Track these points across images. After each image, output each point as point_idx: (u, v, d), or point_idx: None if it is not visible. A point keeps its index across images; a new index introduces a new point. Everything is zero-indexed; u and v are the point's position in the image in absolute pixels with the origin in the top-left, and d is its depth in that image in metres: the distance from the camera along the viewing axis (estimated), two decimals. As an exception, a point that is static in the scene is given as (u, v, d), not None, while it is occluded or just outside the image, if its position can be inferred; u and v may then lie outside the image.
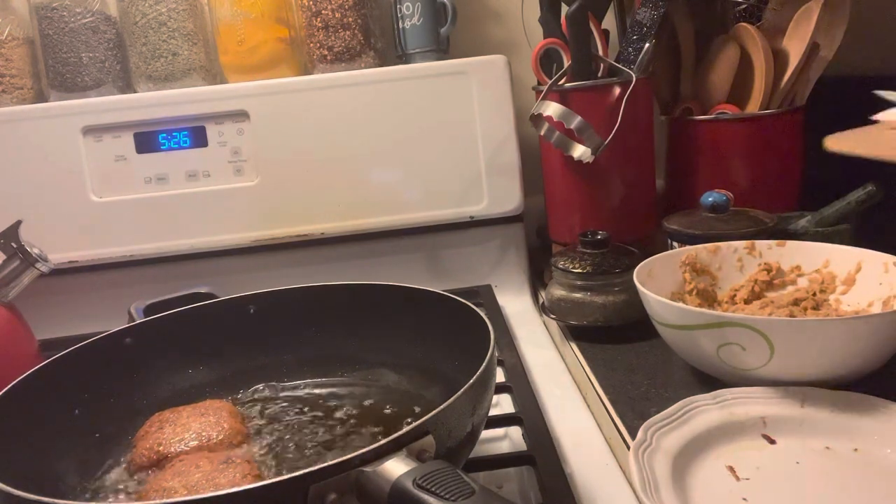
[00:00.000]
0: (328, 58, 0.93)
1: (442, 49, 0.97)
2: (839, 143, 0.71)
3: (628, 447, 0.51)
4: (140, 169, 0.90)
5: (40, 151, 0.88)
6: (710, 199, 0.76)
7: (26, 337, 0.73)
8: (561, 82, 0.86)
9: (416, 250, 0.95)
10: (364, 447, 0.38)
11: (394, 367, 0.64)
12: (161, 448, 0.53)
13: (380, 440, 0.39)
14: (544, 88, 0.85)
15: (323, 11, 0.92)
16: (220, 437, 0.55)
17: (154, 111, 0.89)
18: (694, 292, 0.70)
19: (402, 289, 0.64)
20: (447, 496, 0.35)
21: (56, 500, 0.36)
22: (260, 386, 0.65)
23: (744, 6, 0.93)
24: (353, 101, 0.90)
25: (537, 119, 0.86)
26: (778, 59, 0.86)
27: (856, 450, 0.51)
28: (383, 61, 0.96)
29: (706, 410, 0.54)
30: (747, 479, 0.49)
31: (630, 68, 0.83)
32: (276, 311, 0.68)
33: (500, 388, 0.65)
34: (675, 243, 0.77)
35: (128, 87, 0.96)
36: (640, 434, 0.51)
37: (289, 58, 0.95)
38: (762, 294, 0.70)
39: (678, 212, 0.80)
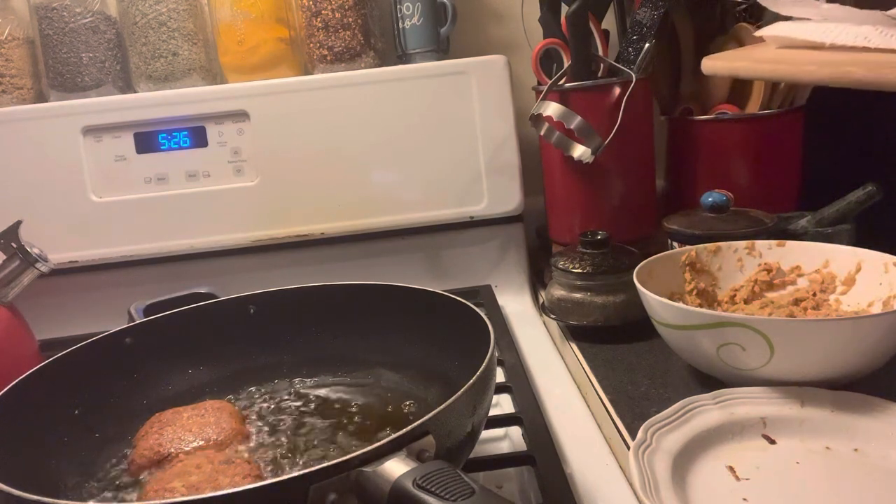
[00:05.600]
0: (328, 58, 0.93)
1: (442, 49, 0.97)
2: (715, 63, 0.69)
3: (628, 447, 0.51)
4: (140, 169, 0.90)
5: (40, 151, 0.88)
6: (710, 199, 0.76)
7: (26, 337, 0.73)
8: (561, 82, 0.86)
9: (416, 250, 0.95)
10: (364, 447, 0.38)
11: (394, 367, 0.64)
12: (161, 448, 0.53)
13: (380, 440, 0.39)
14: (544, 88, 0.85)
15: (323, 11, 0.92)
16: (221, 438, 0.55)
17: (154, 111, 0.89)
18: (694, 292, 0.70)
19: (402, 289, 0.64)
20: (447, 496, 0.35)
21: (56, 501, 0.37)
22: (260, 386, 0.65)
23: (744, 6, 0.93)
24: (353, 101, 0.90)
25: (537, 119, 0.86)
26: (778, 58, 0.86)
27: (856, 450, 0.51)
28: (383, 61, 0.96)
29: (706, 410, 0.54)
30: (747, 479, 0.49)
31: (630, 68, 0.83)
32: (276, 311, 0.68)
33: (500, 388, 0.65)
34: (675, 243, 0.77)
35: (128, 87, 0.96)
36: (640, 434, 0.51)
37: (289, 58, 0.95)
38: (762, 294, 0.70)
39: (678, 212, 0.80)
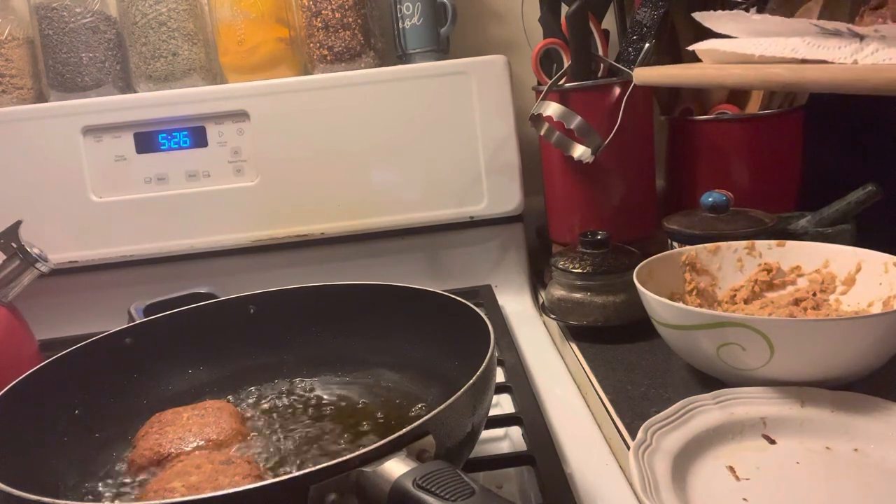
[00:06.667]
0: (328, 58, 0.93)
1: (442, 49, 0.97)
2: (645, 74, 0.70)
3: (628, 447, 0.51)
4: (140, 169, 0.90)
5: (40, 151, 0.88)
6: (710, 199, 0.76)
7: (26, 337, 0.73)
8: (561, 82, 0.86)
9: (416, 250, 0.95)
10: (364, 447, 0.38)
11: (394, 367, 0.64)
12: (161, 448, 0.53)
13: (379, 440, 0.39)
14: (544, 88, 0.85)
15: (323, 11, 0.92)
16: (220, 438, 0.55)
17: (154, 111, 0.89)
18: (694, 292, 0.70)
19: (402, 289, 0.64)
20: (447, 496, 0.35)
21: (56, 501, 0.37)
22: (260, 386, 0.65)
23: (744, 6, 0.93)
24: (353, 101, 0.90)
25: (537, 119, 0.86)
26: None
27: (856, 450, 0.51)
28: (383, 61, 0.96)
29: (706, 410, 0.54)
30: (747, 479, 0.49)
31: (630, 68, 0.83)
32: (276, 311, 0.68)
33: (500, 388, 0.65)
34: (675, 243, 0.77)
35: (128, 87, 0.96)
36: (640, 434, 0.51)
37: (289, 58, 0.95)
38: (762, 294, 0.70)
39: (678, 212, 0.80)
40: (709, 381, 0.62)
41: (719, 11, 0.63)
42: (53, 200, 0.89)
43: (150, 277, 0.92)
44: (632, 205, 0.88)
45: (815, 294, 0.67)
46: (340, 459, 0.37)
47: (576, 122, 0.81)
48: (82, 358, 0.59)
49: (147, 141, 0.90)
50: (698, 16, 0.65)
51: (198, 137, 0.90)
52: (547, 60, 0.89)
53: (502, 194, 0.93)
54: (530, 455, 0.54)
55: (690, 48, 0.68)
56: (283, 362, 0.67)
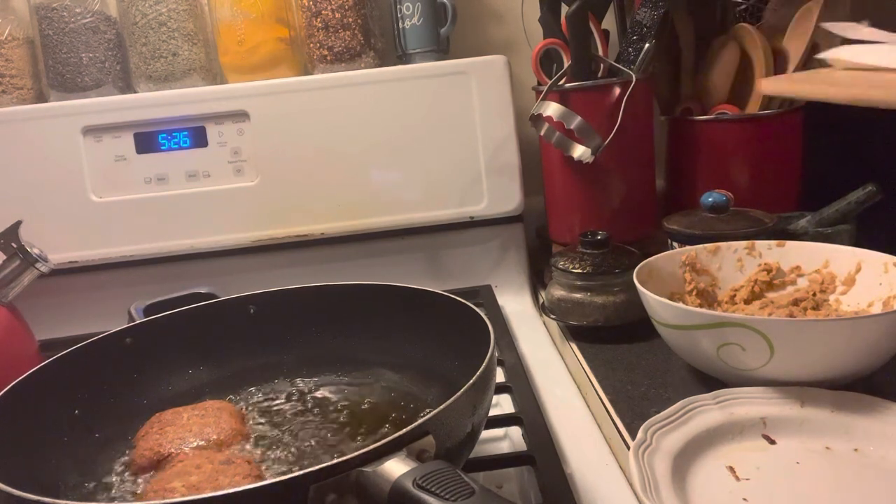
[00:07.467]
0: (328, 58, 0.93)
1: (442, 49, 0.97)
2: (774, 84, 0.71)
3: (628, 447, 0.51)
4: (140, 169, 0.90)
5: (40, 151, 0.88)
6: (710, 199, 0.76)
7: (26, 337, 0.73)
8: (561, 82, 0.86)
9: (416, 250, 0.95)
10: (364, 447, 0.38)
11: (394, 367, 0.64)
12: (161, 448, 0.53)
13: (380, 440, 0.39)
14: (544, 88, 0.85)
15: (323, 11, 0.92)
16: (221, 438, 0.55)
17: (154, 111, 0.89)
18: (694, 292, 0.70)
19: (402, 289, 0.64)
20: (447, 496, 0.35)
21: (56, 501, 0.37)
22: (260, 386, 0.65)
23: (744, 6, 0.93)
24: (353, 101, 0.90)
25: (537, 119, 0.86)
26: (778, 59, 0.86)
27: (856, 450, 0.51)
28: (383, 61, 0.96)
29: (706, 410, 0.54)
30: (747, 479, 0.49)
31: (630, 68, 0.83)
32: (276, 311, 0.68)
33: (500, 388, 0.65)
34: (675, 243, 0.77)
35: (128, 88, 0.96)
36: (640, 434, 0.51)
37: (289, 58, 0.95)
38: (762, 294, 0.70)
39: (678, 212, 0.80)
40: (709, 381, 0.62)
41: (852, 23, 0.65)
42: (53, 200, 0.89)
43: (150, 277, 0.92)
44: (632, 205, 0.88)
45: (815, 294, 0.67)
46: (340, 459, 0.37)
47: (576, 122, 0.81)
48: (82, 358, 0.59)
49: (147, 141, 0.90)
50: (831, 26, 0.68)
51: (198, 137, 0.90)
52: (547, 60, 0.89)
53: (502, 194, 0.93)
54: (530, 455, 0.54)
55: (819, 56, 0.69)
56: (283, 362, 0.67)
